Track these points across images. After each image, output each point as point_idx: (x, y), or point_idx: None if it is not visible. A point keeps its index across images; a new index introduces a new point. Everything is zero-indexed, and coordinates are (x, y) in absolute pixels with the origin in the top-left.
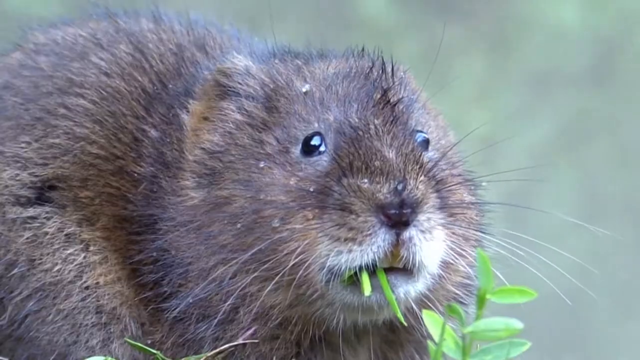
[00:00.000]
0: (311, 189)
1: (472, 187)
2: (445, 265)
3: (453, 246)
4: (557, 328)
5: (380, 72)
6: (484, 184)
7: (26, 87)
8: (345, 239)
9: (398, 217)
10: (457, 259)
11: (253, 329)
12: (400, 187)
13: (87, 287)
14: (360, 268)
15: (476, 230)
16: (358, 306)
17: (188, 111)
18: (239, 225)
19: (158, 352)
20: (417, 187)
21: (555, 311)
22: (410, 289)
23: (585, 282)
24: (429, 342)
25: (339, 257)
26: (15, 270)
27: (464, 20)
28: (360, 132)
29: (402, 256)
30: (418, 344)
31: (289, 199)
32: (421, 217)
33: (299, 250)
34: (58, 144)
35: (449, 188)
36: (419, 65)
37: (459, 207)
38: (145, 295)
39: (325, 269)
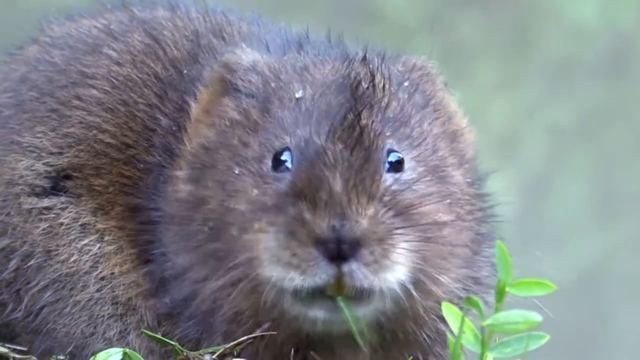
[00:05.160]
0: (269, 204)
1: (454, 202)
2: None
3: (420, 267)
4: (574, 321)
5: (370, 84)
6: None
7: (41, 81)
8: (287, 264)
9: (336, 253)
10: (424, 279)
11: (267, 324)
12: (337, 224)
13: (102, 278)
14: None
15: (453, 246)
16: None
17: (196, 99)
18: (207, 229)
19: (176, 344)
20: (358, 222)
21: (572, 304)
22: (364, 310)
23: (601, 275)
24: (448, 335)
25: (281, 279)
26: (32, 262)
27: (484, 13)
28: (316, 158)
29: (348, 287)
30: (420, 345)
31: (248, 209)
32: (364, 251)
33: (250, 262)
34: (72, 132)
35: (418, 210)
36: (439, 59)
37: (430, 227)
38: (152, 287)
39: (271, 285)
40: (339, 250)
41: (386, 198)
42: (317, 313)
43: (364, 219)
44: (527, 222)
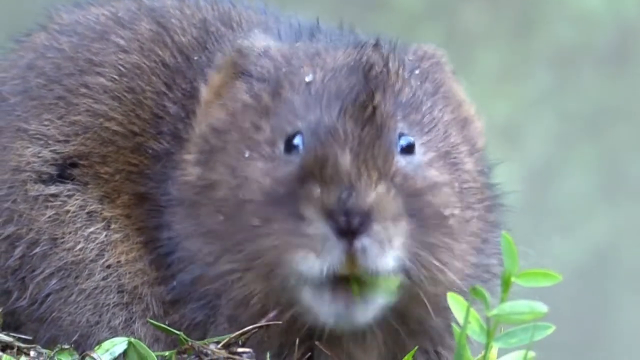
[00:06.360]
0: (280, 188)
1: (465, 190)
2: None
3: (417, 255)
4: (580, 308)
5: (383, 68)
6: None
7: (49, 68)
8: (299, 246)
9: (347, 226)
10: (421, 269)
11: (274, 312)
12: (344, 195)
13: (108, 266)
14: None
15: (453, 239)
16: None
17: (206, 84)
18: (222, 215)
19: (181, 333)
20: (368, 195)
21: (578, 291)
22: (376, 296)
23: (606, 265)
24: (454, 325)
25: (295, 263)
26: (38, 249)
27: (488, 1)
28: (326, 136)
29: (360, 265)
30: (430, 335)
31: (259, 195)
32: (376, 227)
33: (263, 249)
34: (79, 120)
35: (427, 199)
36: (443, 46)
37: (432, 217)
38: (158, 275)
39: (291, 273)
40: (349, 224)
41: (397, 179)
42: (330, 308)
43: (373, 192)
44: (533, 211)
